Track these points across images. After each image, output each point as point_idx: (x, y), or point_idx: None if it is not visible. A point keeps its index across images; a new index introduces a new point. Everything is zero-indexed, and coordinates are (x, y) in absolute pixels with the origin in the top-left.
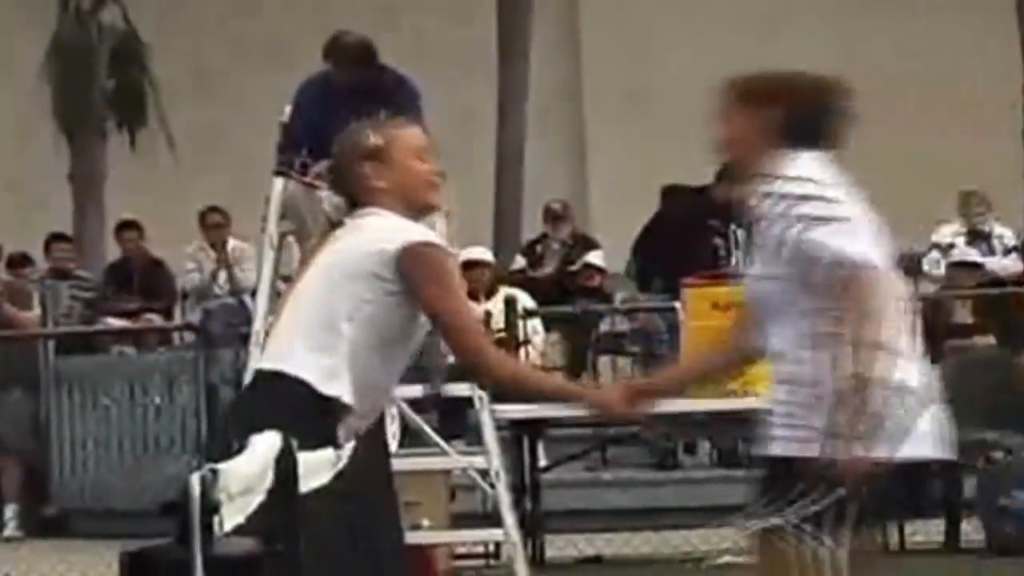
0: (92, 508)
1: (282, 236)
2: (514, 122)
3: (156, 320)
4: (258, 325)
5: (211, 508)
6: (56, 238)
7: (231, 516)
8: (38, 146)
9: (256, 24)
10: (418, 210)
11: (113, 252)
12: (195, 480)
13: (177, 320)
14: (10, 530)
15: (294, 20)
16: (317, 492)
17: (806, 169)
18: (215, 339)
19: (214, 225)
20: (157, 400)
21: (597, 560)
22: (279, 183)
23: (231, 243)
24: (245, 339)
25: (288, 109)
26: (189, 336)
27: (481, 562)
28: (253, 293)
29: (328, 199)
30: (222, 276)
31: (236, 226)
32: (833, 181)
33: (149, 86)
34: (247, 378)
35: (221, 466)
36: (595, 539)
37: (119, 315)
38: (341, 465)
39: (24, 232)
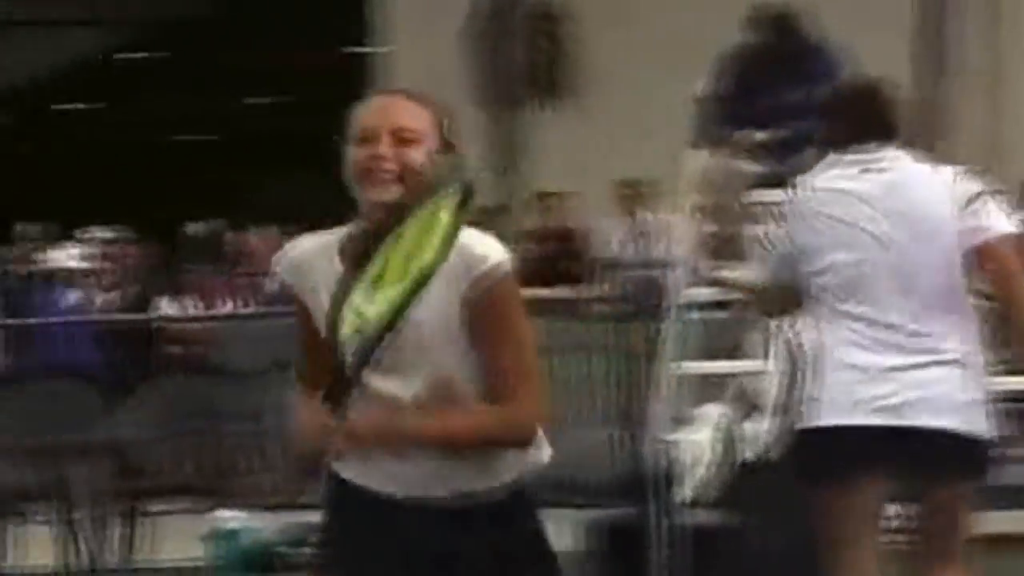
0: None
1: (700, 210)
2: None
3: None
4: (676, 299)
5: (669, 479)
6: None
7: (685, 486)
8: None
9: None
10: (366, 203)
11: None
12: (654, 452)
13: (592, 291)
14: None
15: None
16: (759, 464)
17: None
18: (629, 311)
19: (627, 196)
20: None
21: None
22: (694, 156)
23: (646, 215)
24: (657, 311)
25: (702, 84)
26: (601, 307)
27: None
28: (666, 266)
29: (747, 171)
30: (631, 248)
31: (659, 198)
32: (810, 179)
33: (565, 54)
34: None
35: (672, 438)
36: None
37: (533, 284)
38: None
39: None
